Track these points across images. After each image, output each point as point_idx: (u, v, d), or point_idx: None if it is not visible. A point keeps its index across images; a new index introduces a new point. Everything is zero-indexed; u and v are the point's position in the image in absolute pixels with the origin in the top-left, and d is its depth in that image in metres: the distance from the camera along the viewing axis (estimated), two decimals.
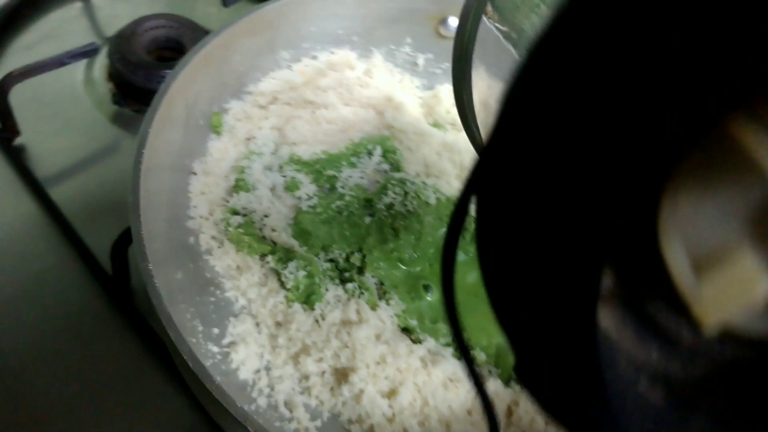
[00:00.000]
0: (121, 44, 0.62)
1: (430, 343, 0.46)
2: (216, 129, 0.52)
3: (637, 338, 0.19)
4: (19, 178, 0.57)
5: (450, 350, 0.46)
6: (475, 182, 0.18)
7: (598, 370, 0.18)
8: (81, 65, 0.64)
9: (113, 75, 0.63)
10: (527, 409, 0.44)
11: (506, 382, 0.46)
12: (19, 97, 0.58)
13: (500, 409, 0.45)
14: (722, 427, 0.19)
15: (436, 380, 0.44)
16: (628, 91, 0.15)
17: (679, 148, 0.15)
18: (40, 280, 0.52)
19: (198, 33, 0.65)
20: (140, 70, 0.61)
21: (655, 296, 0.19)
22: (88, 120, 0.61)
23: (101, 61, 0.65)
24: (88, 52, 0.58)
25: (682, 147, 0.15)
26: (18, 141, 0.59)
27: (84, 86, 0.64)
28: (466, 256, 0.49)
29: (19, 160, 0.57)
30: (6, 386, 0.47)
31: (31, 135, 0.59)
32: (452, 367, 0.45)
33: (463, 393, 0.44)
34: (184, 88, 0.46)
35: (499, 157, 0.17)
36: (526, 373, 0.20)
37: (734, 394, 0.19)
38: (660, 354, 0.19)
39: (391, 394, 0.44)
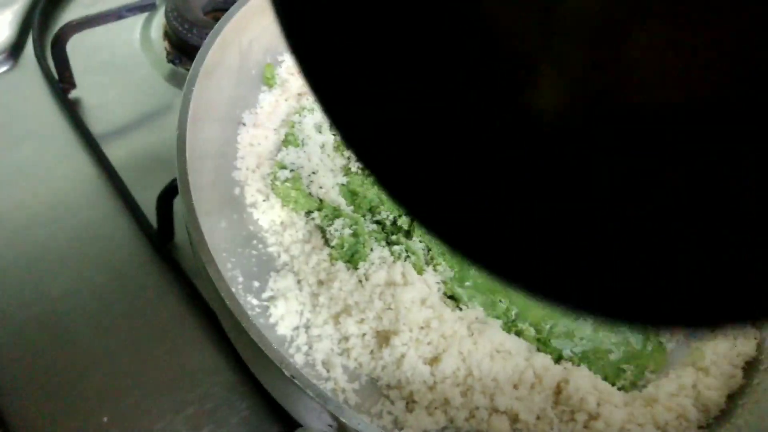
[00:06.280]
0: (179, 2, 0.62)
1: (478, 311, 0.44)
2: (268, 81, 0.51)
3: None
4: (73, 130, 0.57)
5: (499, 322, 0.44)
6: None
7: None
8: (138, 23, 0.65)
9: (169, 34, 0.63)
10: (577, 386, 0.41)
11: (556, 360, 0.43)
12: (76, 51, 0.58)
13: (549, 385, 0.42)
14: None
15: (483, 350, 0.42)
16: None
17: None
18: (88, 230, 0.52)
19: None
20: (196, 29, 0.60)
21: None
22: (144, 77, 0.62)
23: (158, 20, 0.65)
24: (145, 6, 0.58)
25: None
26: (73, 94, 0.59)
27: (141, 44, 0.64)
28: None
29: (73, 113, 0.57)
30: (51, 331, 0.47)
31: (86, 89, 0.60)
32: (500, 337, 0.43)
33: (510, 366, 0.42)
34: (238, 33, 0.45)
35: None
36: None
37: None
38: None
39: (434, 360, 0.41)
